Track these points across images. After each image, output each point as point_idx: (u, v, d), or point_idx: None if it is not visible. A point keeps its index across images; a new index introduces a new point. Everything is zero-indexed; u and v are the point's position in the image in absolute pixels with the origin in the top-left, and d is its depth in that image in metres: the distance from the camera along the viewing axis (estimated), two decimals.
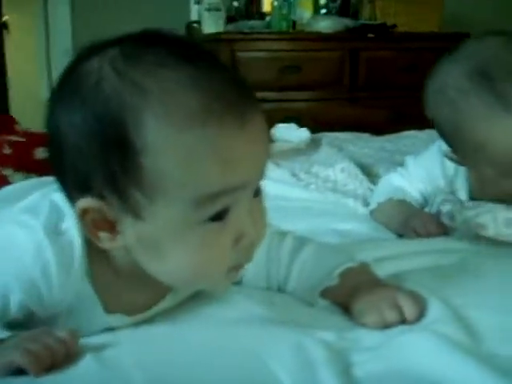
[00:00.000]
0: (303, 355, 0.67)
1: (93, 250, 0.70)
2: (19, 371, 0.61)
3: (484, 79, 0.99)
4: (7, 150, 1.37)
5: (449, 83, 1.03)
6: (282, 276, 0.86)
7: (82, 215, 0.66)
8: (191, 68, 0.64)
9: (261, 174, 0.69)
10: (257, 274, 0.86)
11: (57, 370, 0.63)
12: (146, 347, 0.70)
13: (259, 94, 2.66)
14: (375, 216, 1.23)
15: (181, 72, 0.64)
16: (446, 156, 1.15)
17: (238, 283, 0.86)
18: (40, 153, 1.34)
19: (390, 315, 0.74)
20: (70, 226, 0.70)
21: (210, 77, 0.65)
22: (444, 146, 1.15)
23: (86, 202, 0.65)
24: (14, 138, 1.46)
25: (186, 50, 0.67)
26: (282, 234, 0.88)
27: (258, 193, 0.70)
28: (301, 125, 1.93)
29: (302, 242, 0.87)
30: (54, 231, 0.70)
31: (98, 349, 0.68)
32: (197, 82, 0.63)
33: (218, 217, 0.66)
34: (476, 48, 1.04)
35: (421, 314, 0.75)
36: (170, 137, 0.62)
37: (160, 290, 0.77)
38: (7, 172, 1.30)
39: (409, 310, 0.75)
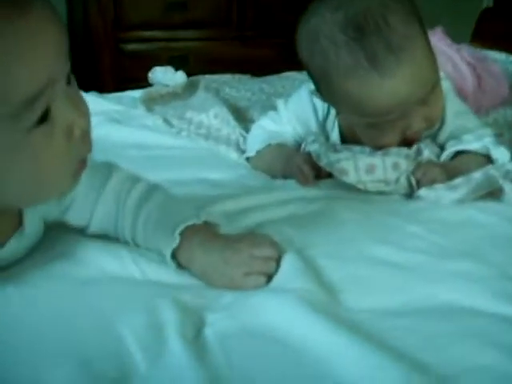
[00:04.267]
0: (153, 317, 0.66)
1: None
2: None
3: (355, 33, 0.98)
4: None
5: (322, 30, 1.01)
6: (129, 227, 0.82)
7: None
8: None
9: (65, 61, 0.65)
10: (105, 224, 0.83)
11: None
12: None
13: (144, 34, 2.57)
14: (255, 163, 1.21)
15: None
16: (313, 93, 1.15)
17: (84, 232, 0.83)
18: None
19: (268, 268, 0.75)
20: None
21: None
22: (312, 87, 1.15)
23: None
24: None
25: None
26: (134, 181, 0.84)
27: (69, 80, 0.66)
28: (188, 65, 1.88)
29: (150, 191, 0.83)
30: None
31: None
32: None
33: (43, 119, 0.62)
34: None
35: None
36: None
37: (4, 228, 0.74)
38: None
39: (275, 254, 0.76)
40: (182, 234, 0.77)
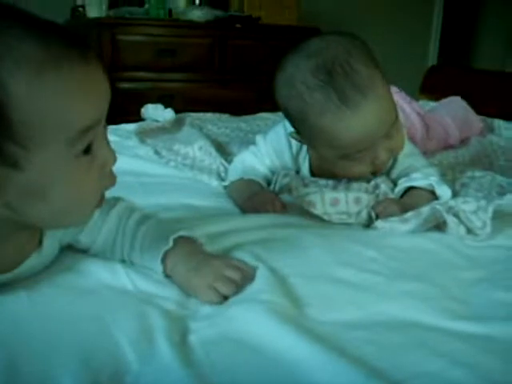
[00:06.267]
0: (144, 323, 0.66)
1: None
2: None
3: (326, 77, 1.00)
4: None
5: (297, 77, 1.03)
6: (127, 247, 0.83)
7: None
8: (23, 23, 0.61)
9: (107, 106, 0.68)
10: (105, 244, 0.83)
11: None
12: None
13: (138, 74, 2.58)
14: (228, 192, 1.21)
15: (14, 28, 0.60)
16: (291, 136, 1.16)
17: (87, 251, 0.84)
18: None
19: (226, 291, 0.74)
20: None
21: (45, 27, 0.62)
22: (288, 127, 1.16)
23: None
24: None
25: (13, 10, 0.62)
26: (133, 209, 0.86)
27: (105, 124, 0.70)
28: (174, 103, 1.88)
29: (146, 216, 0.85)
30: None
31: None
32: (33, 33, 0.60)
33: (87, 150, 0.65)
34: (321, 46, 1.04)
35: (250, 279, 0.76)
36: (29, 87, 0.59)
37: (25, 245, 0.74)
38: None
39: (239, 281, 0.76)
40: (175, 241, 0.80)
